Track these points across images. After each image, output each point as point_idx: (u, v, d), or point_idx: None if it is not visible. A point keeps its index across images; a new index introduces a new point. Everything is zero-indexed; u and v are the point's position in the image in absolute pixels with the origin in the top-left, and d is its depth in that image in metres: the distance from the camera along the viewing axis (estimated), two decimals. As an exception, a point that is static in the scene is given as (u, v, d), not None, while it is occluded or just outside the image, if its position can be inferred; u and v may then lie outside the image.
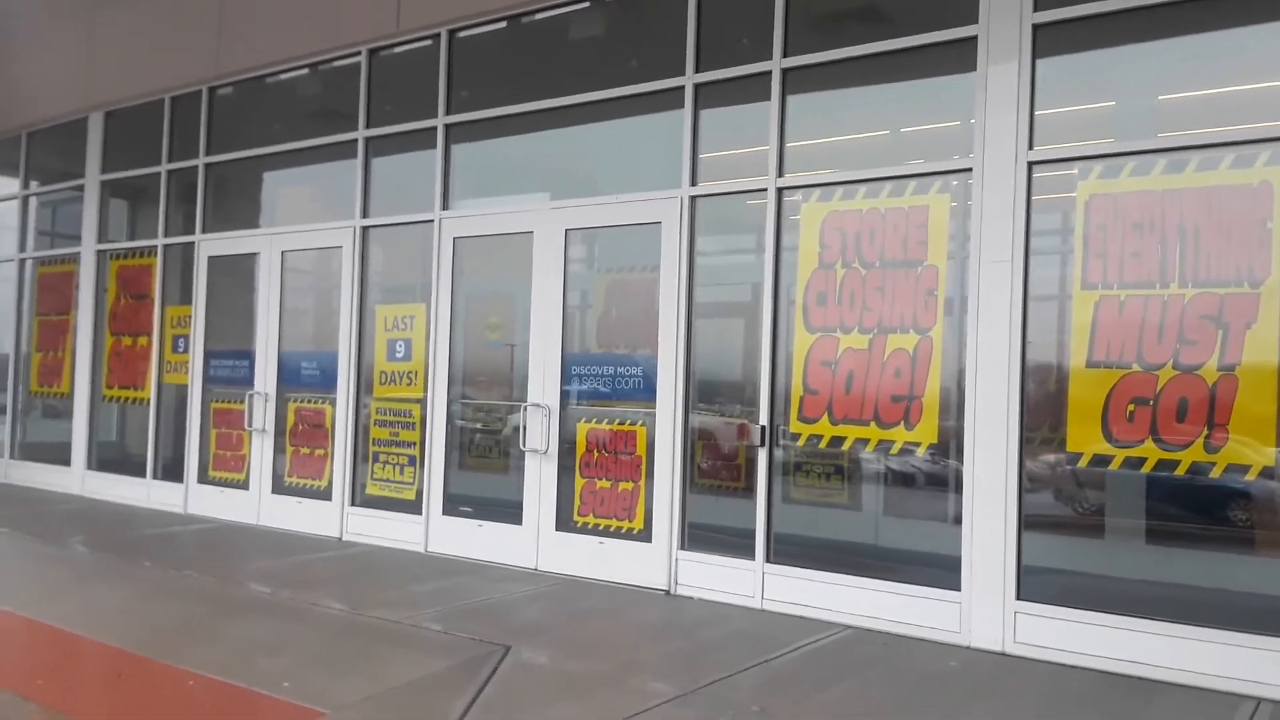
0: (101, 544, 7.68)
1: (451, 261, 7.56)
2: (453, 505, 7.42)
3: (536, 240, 7.08)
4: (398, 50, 8.11)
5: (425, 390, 7.59)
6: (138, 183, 10.17)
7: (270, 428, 8.62)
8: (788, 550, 5.87)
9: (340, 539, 7.97)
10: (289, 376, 8.61)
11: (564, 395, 6.86)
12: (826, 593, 5.63)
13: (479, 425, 7.55)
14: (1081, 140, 5.12)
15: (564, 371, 6.87)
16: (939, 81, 5.73)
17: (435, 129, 7.72)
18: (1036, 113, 5.21)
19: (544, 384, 6.94)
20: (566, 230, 6.96)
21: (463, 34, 7.68)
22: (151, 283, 9.80)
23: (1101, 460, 4.87)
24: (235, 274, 9.17)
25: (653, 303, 6.48)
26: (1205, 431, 4.58)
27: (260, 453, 8.68)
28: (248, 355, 8.87)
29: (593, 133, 7.23)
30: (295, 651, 4.92)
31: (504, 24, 7.50)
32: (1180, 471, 4.66)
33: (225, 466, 8.99)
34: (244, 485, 8.78)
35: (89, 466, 10.28)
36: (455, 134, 7.70)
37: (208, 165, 9.42)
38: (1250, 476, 4.53)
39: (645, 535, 6.38)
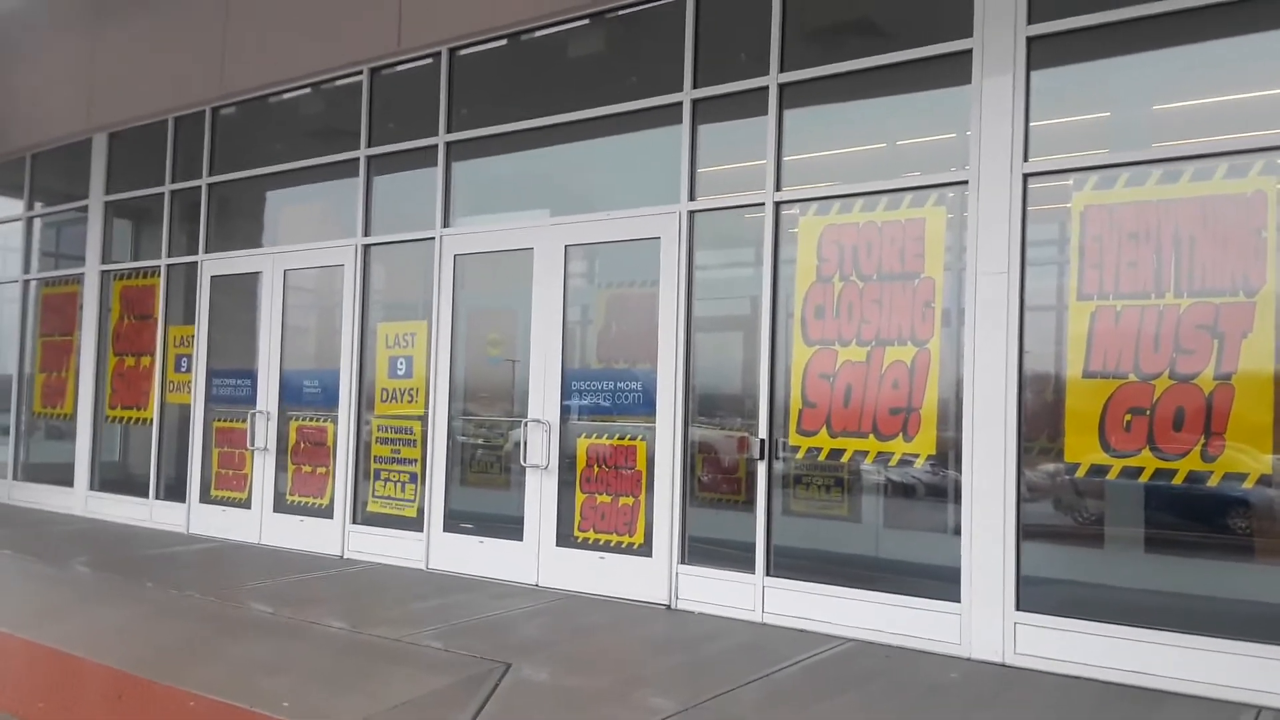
0: (103, 564, 7.69)
1: (452, 278, 7.59)
2: (454, 522, 7.42)
3: (536, 256, 7.11)
4: (399, 69, 8.17)
5: (426, 407, 7.60)
6: (141, 203, 10.23)
7: (272, 446, 8.64)
8: (788, 563, 5.87)
9: (342, 557, 7.97)
10: (291, 395, 8.63)
11: (564, 410, 6.88)
12: (827, 606, 5.62)
13: (480, 441, 7.56)
14: (1076, 151, 5.14)
15: (564, 387, 6.89)
16: (934, 94, 5.75)
17: (436, 147, 7.76)
18: (1031, 124, 5.24)
19: (544, 400, 6.95)
20: (566, 246, 6.99)
21: (463, 52, 7.73)
22: (155, 303, 9.85)
23: (1099, 470, 4.87)
24: (238, 293, 9.21)
25: (652, 317, 6.50)
26: (1202, 440, 4.58)
27: (262, 471, 8.70)
28: (250, 374, 8.90)
29: (592, 149, 7.27)
30: (296, 671, 4.92)
31: (504, 42, 7.56)
32: (1177, 481, 4.65)
33: (227, 485, 9.00)
34: (246, 504, 8.80)
35: (91, 487, 10.30)
36: (456, 151, 7.75)
37: (211, 185, 9.48)
38: (1248, 484, 4.52)
39: (646, 550, 6.38)
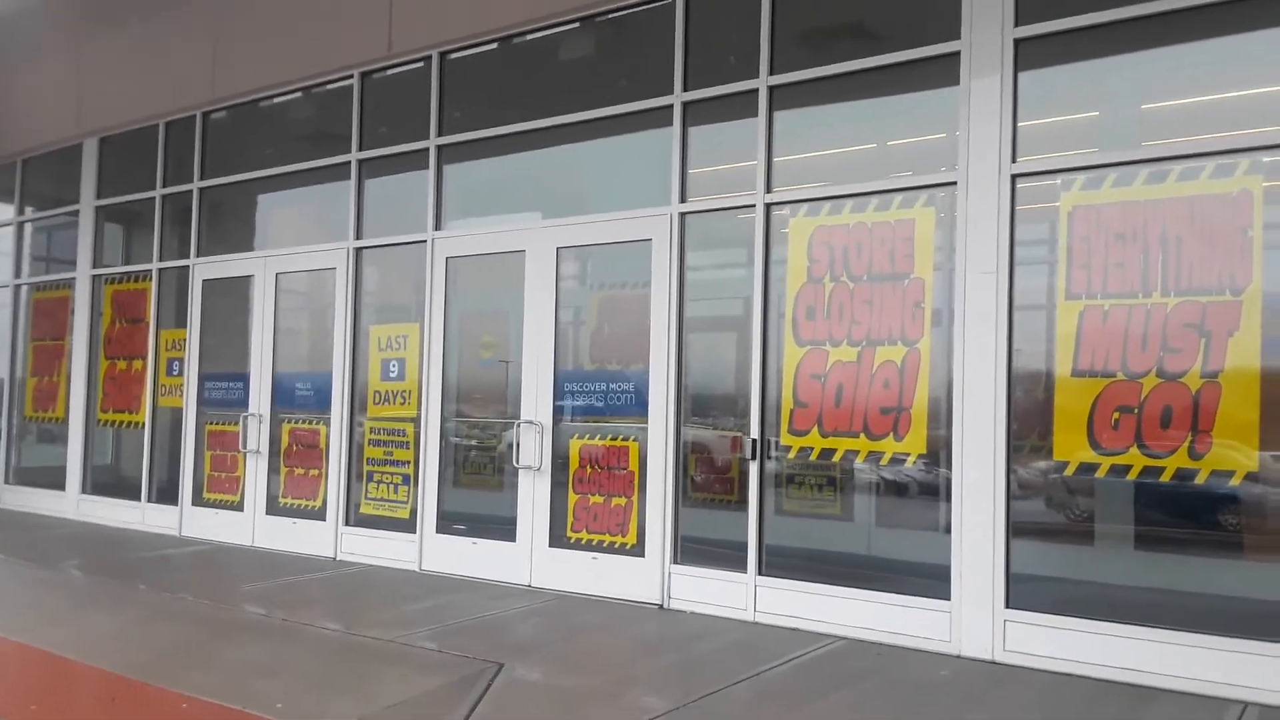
0: (96, 568, 7.68)
1: (444, 281, 7.61)
2: (446, 523, 7.43)
3: (529, 258, 7.13)
4: (390, 73, 8.18)
5: (419, 409, 7.61)
6: (132, 207, 10.23)
7: (264, 449, 8.63)
8: (780, 563, 5.89)
9: (335, 559, 7.97)
10: (283, 397, 8.63)
11: (557, 411, 6.89)
12: (819, 604, 5.64)
13: (473, 443, 7.58)
14: (1063, 151, 5.18)
15: (557, 388, 6.90)
16: (923, 96, 5.78)
17: (427, 150, 7.77)
18: (1019, 125, 5.27)
19: (537, 401, 6.97)
20: (558, 248, 7.01)
21: (454, 56, 7.75)
22: (146, 306, 9.84)
23: (1088, 468, 4.91)
24: (229, 296, 9.21)
25: (644, 318, 6.52)
26: (1189, 438, 4.61)
27: (255, 474, 8.69)
28: (242, 377, 8.90)
29: (583, 151, 7.29)
30: (289, 672, 4.93)
31: (495, 45, 7.57)
32: (1165, 478, 4.69)
33: (220, 488, 9.00)
34: (238, 507, 8.79)
35: (84, 490, 10.29)
36: (447, 155, 7.76)
37: (202, 189, 9.47)
38: (1235, 481, 4.56)
39: (638, 550, 6.40)
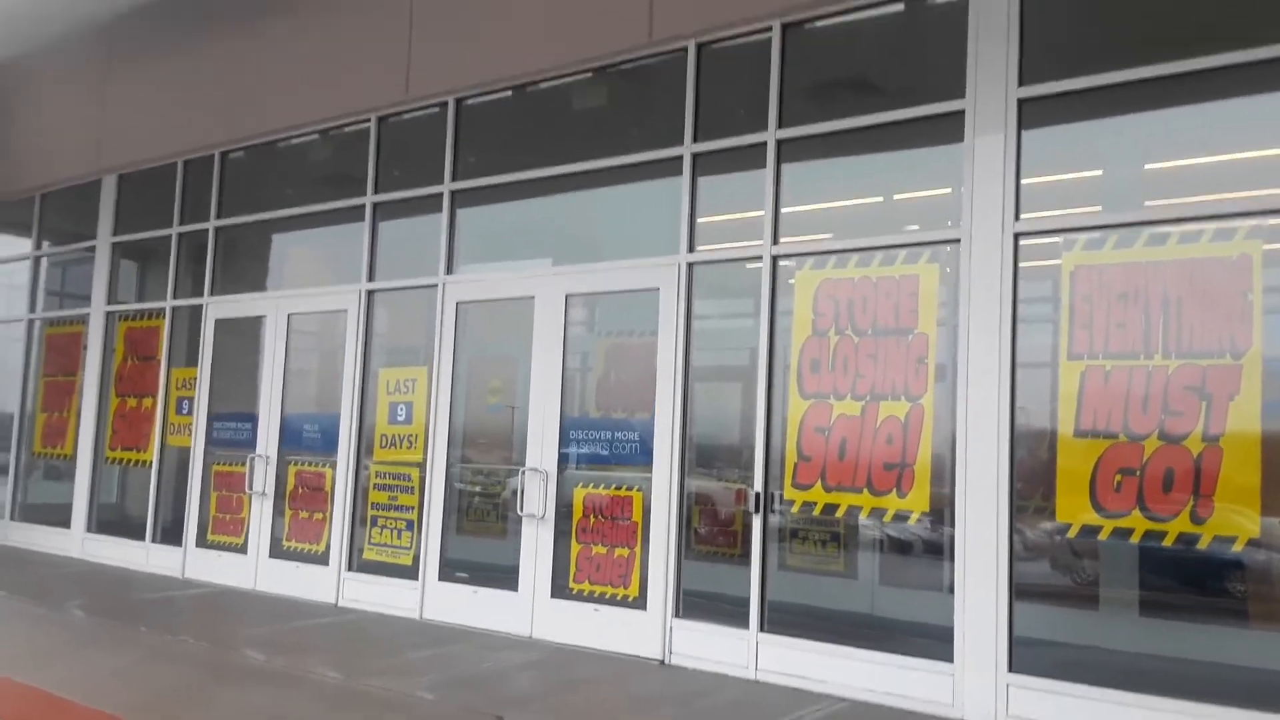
0: (99, 608, 7.68)
1: (454, 325, 7.66)
2: (449, 571, 7.40)
3: (538, 304, 7.18)
4: (406, 117, 8.30)
5: (425, 453, 7.62)
6: (148, 244, 10.34)
7: (270, 491, 8.64)
8: (782, 619, 5.84)
9: (336, 605, 7.95)
10: (291, 439, 8.66)
11: (562, 459, 6.90)
12: (820, 663, 5.59)
13: (477, 489, 7.58)
14: (1066, 210, 5.21)
15: (562, 435, 6.91)
16: (928, 152, 5.83)
17: (441, 194, 7.86)
18: (1023, 183, 5.30)
19: (542, 448, 6.97)
20: (567, 295, 7.06)
21: (469, 102, 7.86)
22: (159, 344, 9.91)
23: (1091, 530, 4.88)
24: (241, 336, 9.27)
25: (651, 367, 6.54)
26: (1191, 502, 4.59)
27: (259, 516, 8.70)
28: (251, 418, 8.94)
29: (594, 199, 7.37)
30: (289, 719, 4.91)
31: (509, 93, 7.69)
32: (1168, 542, 4.66)
33: (224, 530, 9.00)
34: (242, 549, 8.78)
35: (89, 529, 10.27)
36: (460, 199, 7.85)
37: (218, 228, 9.58)
38: (1238, 547, 4.53)
39: (640, 603, 6.36)
